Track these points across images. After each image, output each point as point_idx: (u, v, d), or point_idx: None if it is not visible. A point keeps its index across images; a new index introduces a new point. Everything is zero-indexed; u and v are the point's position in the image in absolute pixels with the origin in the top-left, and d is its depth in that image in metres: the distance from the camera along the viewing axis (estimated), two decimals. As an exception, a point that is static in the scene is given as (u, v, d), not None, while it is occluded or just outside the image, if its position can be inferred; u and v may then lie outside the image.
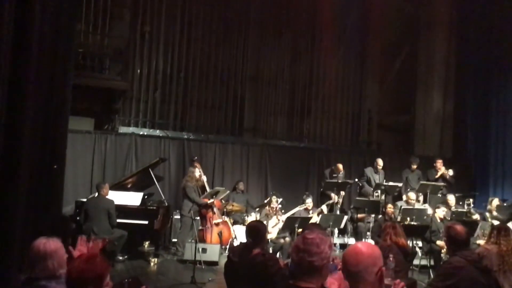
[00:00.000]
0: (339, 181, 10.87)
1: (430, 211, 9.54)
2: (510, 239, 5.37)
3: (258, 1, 13.14)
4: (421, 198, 10.71)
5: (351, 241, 10.28)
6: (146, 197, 9.18)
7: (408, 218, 8.96)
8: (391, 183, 10.84)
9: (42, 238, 3.35)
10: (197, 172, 9.52)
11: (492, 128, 12.88)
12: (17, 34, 4.73)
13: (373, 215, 10.18)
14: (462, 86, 13.99)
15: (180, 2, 12.36)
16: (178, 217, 9.86)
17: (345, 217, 10.02)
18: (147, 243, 9.56)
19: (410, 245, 8.04)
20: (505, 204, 10.33)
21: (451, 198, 10.08)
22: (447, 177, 11.24)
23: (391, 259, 3.98)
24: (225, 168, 11.64)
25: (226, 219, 9.54)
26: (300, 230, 8.31)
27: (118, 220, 8.22)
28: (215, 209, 9.35)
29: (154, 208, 8.94)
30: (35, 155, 5.61)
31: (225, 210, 9.74)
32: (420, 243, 9.07)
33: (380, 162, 11.43)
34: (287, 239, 8.75)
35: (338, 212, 10.67)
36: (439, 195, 10.96)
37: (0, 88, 4.32)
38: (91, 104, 11.24)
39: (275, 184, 11.86)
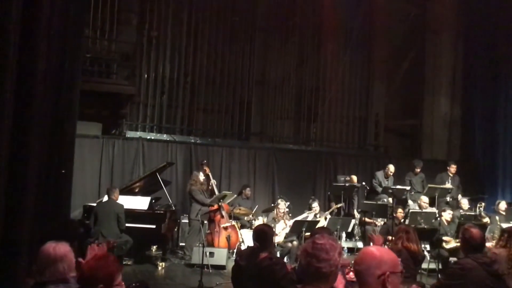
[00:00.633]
0: (346, 184, 10.84)
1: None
2: None
3: (265, 6, 13.17)
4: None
5: (359, 244, 10.24)
6: (153, 201, 9.19)
7: (419, 222, 8.94)
8: (398, 187, 10.82)
9: (51, 242, 3.36)
10: (202, 176, 9.53)
11: (499, 131, 12.80)
12: (25, 40, 4.77)
13: (379, 219, 10.15)
14: (469, 90, 13.92)
15: (187, 7, 12.41)
16: (186, 221, 9.86)
17: (353, 221, 10.01)
18: (154, 247, 9.57)
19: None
20: None
21: (465, 202, 10.07)
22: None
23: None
24: (232, 172, 11.64)
25: (234, 223, 9.53)
26: (308, 234, 8.31)
27: (126, 224, 8.23)
28: (223, 213, 9.35)
29: (162, 212, 8.96)
30: (43, 160, 5.65)
31: (232, 213, 9.73)
32: (428, 247, 9.03)
33: (391, 168, 11.38)
34: (295, 243, 8.73)
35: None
36: (448, 198, 10.92)
37: (8, 94, 4.35)
38: (99, 109, 11.30)
39: (282, 188, 11.83)
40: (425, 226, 8.82)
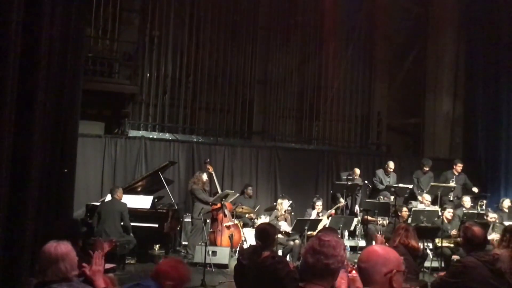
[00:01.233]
0: (349, 183, 10.84)
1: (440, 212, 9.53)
2: None
3: (266, 5, 13.17)
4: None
5: (361, 243, 10.25)
6: (156, 200, 9.21)
7: (422, 220, 8.94)
8: (401, 185, 10.81)
9: (52, 241, 3.38)
10: (204, 176, 9.54)
11: (502, 129, 12.77)
12: (27, 40, 4.78)
13: (382, 218, 10.15)
14: (471, 88, 13.89)
15: (189, 7, 12.42)
16: (189, 220, 9.88)
17: (355, 219, 10.00)
18: (157, 246, 9.58)
19: (421, 247, 8.02)
20: None
21: (467, 200, 10.08)
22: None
23: None
24: (234, 171, 11.66)
25: (236, 221, 9.54)
26: (310, 232, 8.32)
27: (128, 223, 8.27)
28: (226, 212, 9.36)
29: (164, 211, 8.97)
30: (45, 160, 5.66)
31: (234, 212, 9.74)
32: (431, 245, 9.03)
33: (391, 164, 11.38)
34: (297, 241, 8.74)
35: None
36: (449, 197, 10.92)
37: (10, 93, 4.36)
38: (101, 109, 11.34)
39: (284, 187, 11.84)
40: (428, 225, 8.82)
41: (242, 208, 10.18)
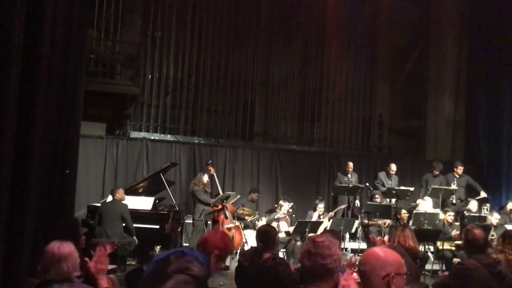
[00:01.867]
0: (350, 185, 10.82)
1: (442, 215, 9.50)
2: None
3: (268, 6, 13.17)
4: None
5: (363, 245, 10.23)
6: (157, 201, 9.20)
7: (423, 222, 8.93)
8: (402, 188, 10.78)
9: (55, 241, 3.39)
10: (206, 177, 9.54)
11: (504, 132, 12.75)
12: (28, 40, 4.78)
13: (383, 220, 10.14)
14: (473, 90, 13.87)
15: (191, 8, 12.42)
16: (190, 221, 9.86)
17: (356, 222, 9.98)
18: (158, 247, 9.57)
19: (422, 249, 8.01)
20: None
21: (474, 204, 10.06)
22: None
23: None
24: (236, 173, 11.65)
25: (237, 223, 9.53)
26: (311, 234, 8.31)
27: (129, 225, 8.27)
28: (227, 214, 9.34)
29: (165, 212, 8.96)
30: (47, 160, 5.66)
31: (236, 214, 9.73)
32: (432, 248, 9.02)
33: (393, 167, 11.35)
34: (298, 243, 8.73)
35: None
36: (452, 200, 10.89)
37: (12, 94, 4.36)
38: (103, 110, 11.34)
39: (285, 189, 11.82)
40: (429, 227, 8.81)
41: (244, 210, 10.16)
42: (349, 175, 11.22)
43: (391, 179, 11.35)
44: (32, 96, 4.95)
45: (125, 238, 8.09)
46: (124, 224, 8.18)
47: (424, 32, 14.41)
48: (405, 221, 9.19)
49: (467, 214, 9.74)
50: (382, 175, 11.46)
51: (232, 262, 8.42)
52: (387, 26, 14.01)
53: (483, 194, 11.01)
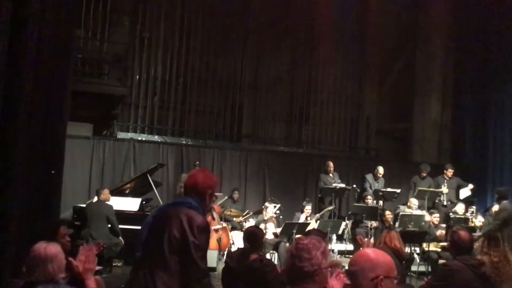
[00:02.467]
0: (337, 187, 10.86)
1: (428, 217, 9.57)
2: (501, 249, 5.16)
3: (257, 9, 13.18)
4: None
5: (349, 247, 10.26)
6: (144, 202, 9.15)
7: (408, 224, 8.99)
8: (389, 189, 10.84)
9: (42, 242, 3.36)
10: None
11: (490, 135, 12.89)
12: (15, 39, 4.75)
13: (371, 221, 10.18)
14: (460, 93, 14.01)
15: (179, 9, 12.40)
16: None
17: (343, 223, 10.02)
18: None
19: (408, 251, 8.06)
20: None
21: (461, 207, 10.12)
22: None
23: None
24: (224, 174, 11.62)
25: (225, 225, 9.52)
26: (298, 236, 8.32)
27: (115, 226, 8.21)
28: (214, 215, 9.32)
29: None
30: (33, 161, 5.61)
31: (223, 215, 9.72)
32: (418, 249, 9.08)
33: (381, 170, 11.40)
34: (286, 244, 8.73)
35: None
36: (443, 202, 10.97)
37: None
38: (90, 110, 11.25)
39: (273, 190, 11.83)
40: (414, 229, 8.86)
41: (231, 211, 10.15)
42: (331, 175, 11.27)
43: (378, 182, 11.41)
44: (18, 96, 4.91)
45: (111, 239, 8.03)
46: (109, 225, 8.13)
47: (412, 36, 14.51)
48: (390, 223, 9.24)
49: (452, 216, 9.82)
50: (369, 177, 11.52)
51: (219, 264, 8.40)
52: (375, 29, 14.09)
53: (470, 186, 11.12)
